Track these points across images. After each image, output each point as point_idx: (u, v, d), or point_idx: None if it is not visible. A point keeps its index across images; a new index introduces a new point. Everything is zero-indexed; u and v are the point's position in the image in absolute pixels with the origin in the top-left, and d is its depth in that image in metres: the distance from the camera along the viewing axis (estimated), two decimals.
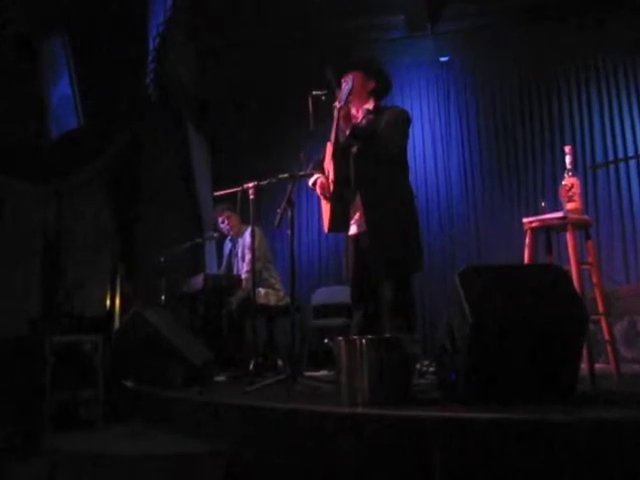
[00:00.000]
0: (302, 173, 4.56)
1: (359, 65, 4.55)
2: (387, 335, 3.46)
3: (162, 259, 6.51)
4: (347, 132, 4.25)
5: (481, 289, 3.01)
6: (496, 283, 3.06)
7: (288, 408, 3.26)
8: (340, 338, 3.26)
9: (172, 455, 3.57)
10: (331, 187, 4.42)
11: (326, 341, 3.52)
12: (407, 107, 7.11)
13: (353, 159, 4.30)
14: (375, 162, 4.24)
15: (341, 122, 4.24)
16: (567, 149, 4.33)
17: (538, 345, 2.95)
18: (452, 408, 2.81)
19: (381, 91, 4.63)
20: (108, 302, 7.80)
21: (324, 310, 7.58)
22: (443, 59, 8.26)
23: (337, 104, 4.23)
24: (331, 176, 4.43)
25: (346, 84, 4.26)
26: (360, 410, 3.00)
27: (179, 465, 3.51)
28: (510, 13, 7.70)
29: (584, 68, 7.72)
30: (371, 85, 4.53)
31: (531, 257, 4.19)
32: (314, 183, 4.57)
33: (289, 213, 4.28)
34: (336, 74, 4.55)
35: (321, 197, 4.57)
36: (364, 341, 3.16)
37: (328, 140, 4.41)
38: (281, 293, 6.36)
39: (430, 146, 8.16)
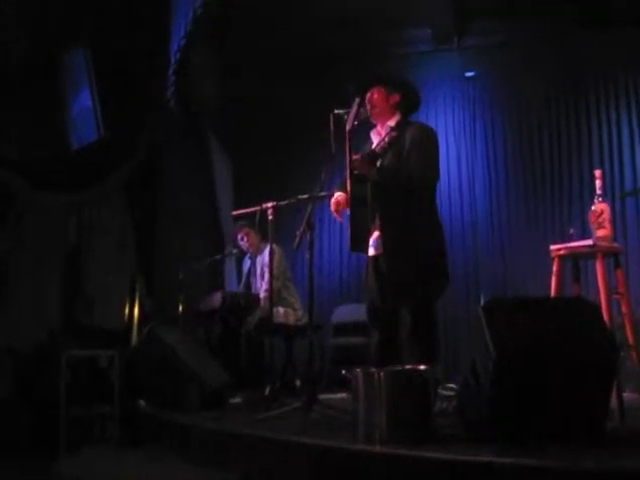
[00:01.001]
0: (322, 194, 4.45)
1: (380, 79, 4.42)
2: (407, 366, 3.32)
3: (181, 275, 6.42)
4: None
5: (506, 324, 2.88)
6: (522, 317, 2.93)
7: (302, 442, 3.15)
8: (358, 370, 3.13)
9: None
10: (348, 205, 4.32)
11: (344, 372, 3.40)
12: (431, 122, 7.01)
13: (371, 185, 4.16)
14: (396, 189, 4.10)
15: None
16: (597, 173, 4.18)
17: (565, 382, 2.83)
18: (475, 449, 2.68)
19: (409, 105, 4.46)
20: (127, 316, 7.75)
21: (344, 328, 7.47)
22: (469, 74, 8.09)
23: (347, 127, 4.10)
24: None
25: (353, 107, 4.14)
26: (378, 449, 2.87)
27: None
28: (538, 29, 7.55)
29: (614, 88, 7.51)
30: (395, 99, 4.37)
31: (558, 285, 4.05)
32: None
33: (308, 236, 4.16)
34: (358, 91, 4.43)
35: (334, 214, 4.43)
36: (382, 374, 3.03)
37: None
38: (300, 312, 6.25)
39: (455, 164, 7.96)
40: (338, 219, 4.38)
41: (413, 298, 4.06)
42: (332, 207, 4.39)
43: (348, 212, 4.29)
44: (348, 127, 4.09)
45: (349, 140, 4.09)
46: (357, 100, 4.17)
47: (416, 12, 7.46)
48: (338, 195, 4.39)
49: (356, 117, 4.11)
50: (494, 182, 7.86)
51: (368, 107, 4.30)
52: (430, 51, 8.16)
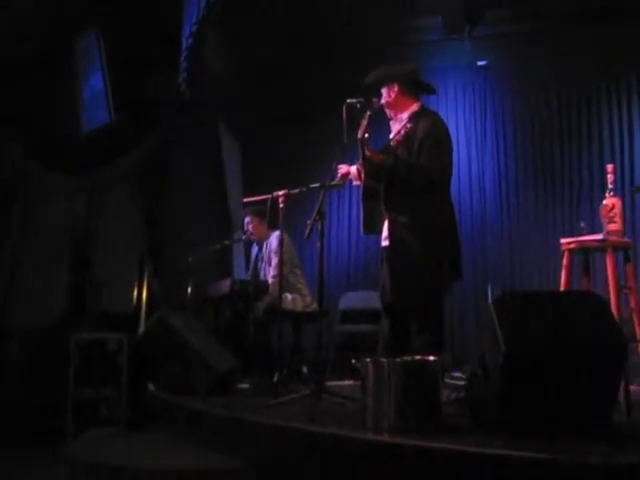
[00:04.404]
0: (334, 183, 4.47)
1: (371, 83, 4.44)
2: (415, 357, 3.34)
3: (190, 259, 6.43)
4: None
5: (516, 318, 2.90)
6: (532, 312, 2.95)
7: (310, 430, 3.16)
8: (367, 360, 3.16)
9: (190, 471, 3.51)
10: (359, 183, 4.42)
11: (353, 361, 3.42)
12: (442, 112, 6.96)
13: (384, 182, 4.17)
14: (407, 185, 4.11)
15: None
16: (609, 168, 4.18)
17: (574, 376, 2.84)
18: (484, 441, 2.70)
19: (412, 88, 4.43)
20: (135, 300, 7.78)
21: (352, 315, 7.47)
22: (480, 63, 8.03)
23: (359, 136, 4.10)
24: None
25: (364, 121, 4.12)
26: (386, 438, 2.90)
27: None
28: (551, 19, 7.47)
29: (626, 81, 7.44)
30: (395, 89, 4.36)
31: (568, 279, 4.06)
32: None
33: (319, 225, 4.17)
34: (374, 84, 4.43)
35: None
36: (391, 364, 3.06)
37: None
38: (308, 299, 6.26)
39: (465, 154, 7.88)
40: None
41: (416, 298, 4.09)
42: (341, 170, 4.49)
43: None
44: (360, 136, 4.09)
45: (362, 145, 4.10)
46: (368, 113, 4.14)
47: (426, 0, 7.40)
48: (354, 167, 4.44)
49: (366, 129, 4.09)
50: (504, 174, 7.78)
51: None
52: (441, 40, 8.07)
